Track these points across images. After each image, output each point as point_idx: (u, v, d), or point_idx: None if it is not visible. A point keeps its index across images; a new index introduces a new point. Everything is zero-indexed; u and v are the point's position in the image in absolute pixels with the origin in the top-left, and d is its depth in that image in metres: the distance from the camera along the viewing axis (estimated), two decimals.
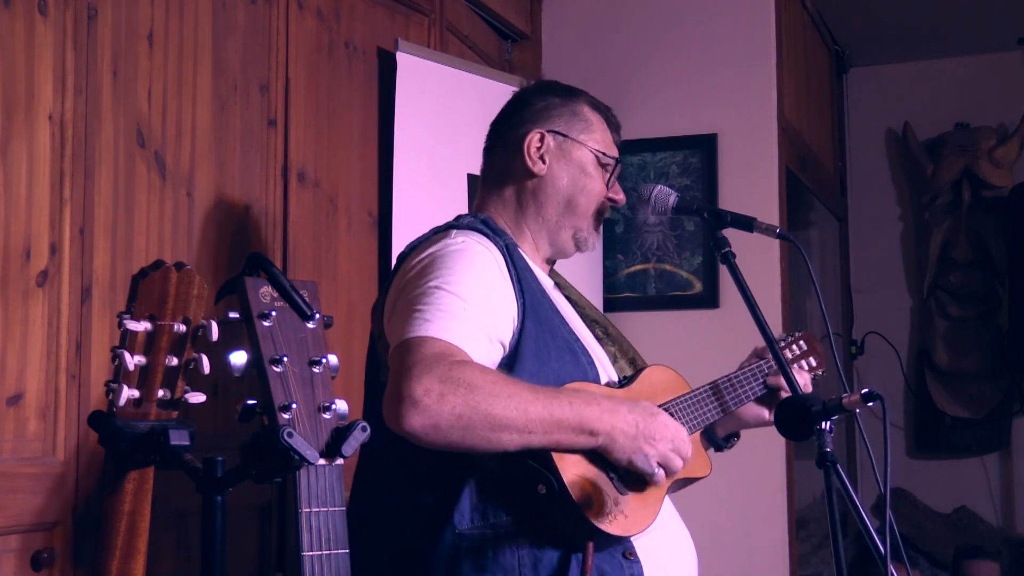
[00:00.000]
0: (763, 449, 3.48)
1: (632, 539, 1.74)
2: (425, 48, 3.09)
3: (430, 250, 1.79)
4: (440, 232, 1.87)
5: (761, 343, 2.10)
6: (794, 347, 2.18)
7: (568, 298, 2.04)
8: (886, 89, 5.39)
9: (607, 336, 2.03)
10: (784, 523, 3.53)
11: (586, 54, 3.87)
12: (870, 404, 1.54)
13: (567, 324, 1.90)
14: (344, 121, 2.81)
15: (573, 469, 1.68)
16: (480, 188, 2.03)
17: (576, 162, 1.95)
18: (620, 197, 2.01)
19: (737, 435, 2.17)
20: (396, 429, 1.59)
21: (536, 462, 1.66)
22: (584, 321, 2.01)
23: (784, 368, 1.81)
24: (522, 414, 1.61)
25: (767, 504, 3.53)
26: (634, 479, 1.75)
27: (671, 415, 1.83)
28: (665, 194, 2.01)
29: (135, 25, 2.16)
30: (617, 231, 3.75)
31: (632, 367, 2.01)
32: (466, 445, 1.61)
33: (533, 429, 1.62)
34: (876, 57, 5.29)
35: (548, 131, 1.95)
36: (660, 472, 1.72)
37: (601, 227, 2.02)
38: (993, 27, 4.86)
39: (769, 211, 3.61)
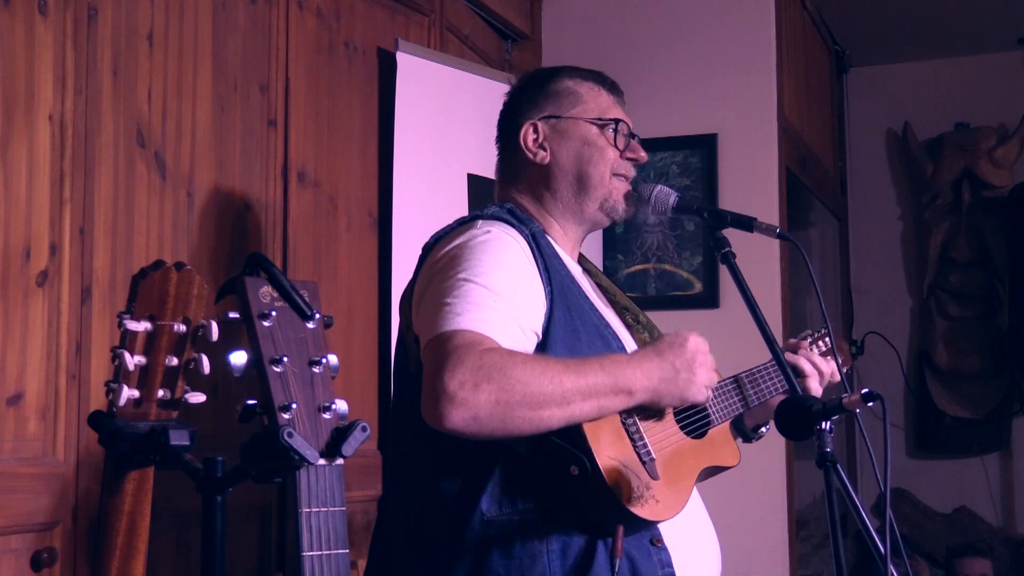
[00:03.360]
0: (763, 449, 3.47)
1: (659, 526, 1.74)
2: (425, 48, 3.09)
3: (457, 241, 1.79)
4: (466, 223, 1.86)
5: (792, 338, 2.14)
6: (820, 344, 2.17)
7: (599, 285, 2.03)
8: (886, 89, 5.39)
9: (638, 323, 2.02)
10: (784, 523, 3.54)
11: (586, 54, 3.86)
12: (870, 404, 1.53)
13: (596, 310, 1.89)
14: (344, 121, 2.81)
15: (607, 451, 1.67)
16: (497, 186, 2.03)
17: (577, 138, 1.94)
18: (640, 155, 1.99)
19: (767, 425, 2.16)
20: (439, 428, 1.58)
21: (569, 443, 1.65)
22: (615, 308, 2.01)
23: (784, 368, 1.81)
24: (558, 386, 1.60)
25: (767, 504, 3.53)
26: (667, 461, 1.75)
27: None
28: (665, 194, 2.01)
29: (135, 25, 2.16)
30: (617, 231, 3.75)
31: None
32: (509, 430, 1.60)
33: (572, 399, 1.61)
34: (876, 57, 5.29)
35: (539, 119, 1.95)
36: (711, 393, 1.77)
37: (631, 190, 2.00)
38: (993, 27, 4.86)
39: (769, 211, 3.61)
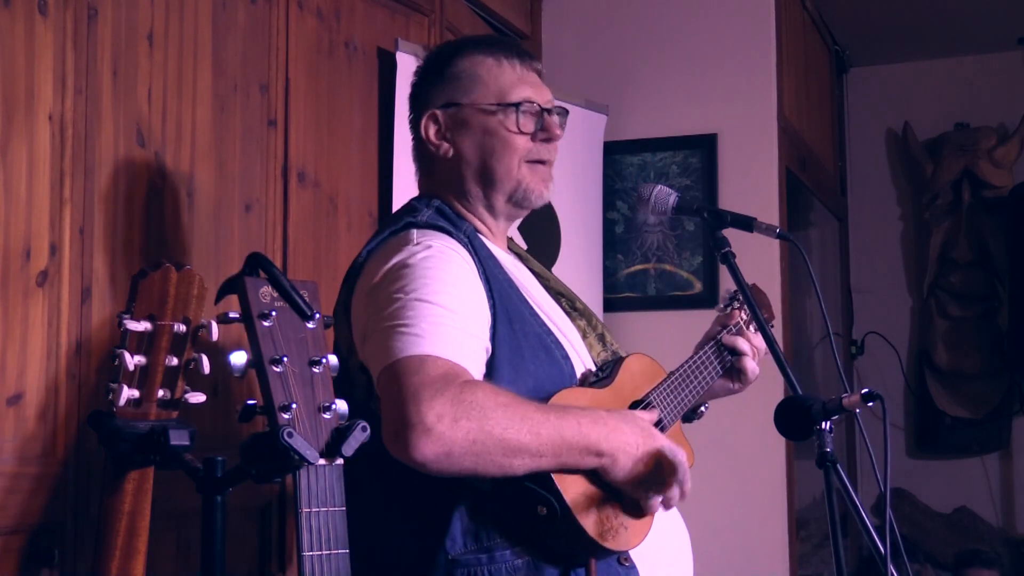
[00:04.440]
0: (763, 449, 3.48)
1: None
2: (425, 48, 3.09)
3: (397, 258, 1.67)
4: (398, 233, 1.75)
5: (723, 310, 2.09)
6: (743, 312, 2.09)
7: (532, 271, 1.96)
8: (886, 89, 5.39)
9: (574, 310, 1.95)
10: (784, 523, 3.53)
11: (586, 54, 3.86)
12: (870, 404, 1.53)
13: (537, 315, 1.80)
14: (344, 121, 2.81)
15: (573, 488, 1.63)
16: (417, 180, 1.93)
17: (477, 128, 1.78)
18: (554, 132, 1.81)
19: (706, 405, 2.12)
20: (404, 458, 1.49)
21: (536, 484, 1.60)
22: (550, 294, 1.93)
23: (783, 366, 1.80)
24: (535, 437, 1.54)
25: (767, 504, 3.53)
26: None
27: (655, 406, 1.81)
28: (665, 194, 2.00)
29: (135, 25, 2.16)
30: (617, 231, 3.75)
31: (601, 343, 1.94)
32: (478, 471, 1.53)
33: (544, 452, 1.55)
34: (876, 57, 5.29)
35: (439, 107, 1.80)
36: (655, 501, 1.67)
37: (549, 171, 1.84)
38: (993, 27, 4.86)
39: (769, 211, 3.61)
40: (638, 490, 1.66)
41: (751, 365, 2.02)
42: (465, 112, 1.79)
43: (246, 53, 2.47)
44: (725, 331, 2.05)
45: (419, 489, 1.62)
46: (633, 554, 1.72)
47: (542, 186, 1.83)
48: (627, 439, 1.64)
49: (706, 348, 2.03)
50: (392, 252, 1.69)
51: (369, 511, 1.66)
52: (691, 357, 2.01)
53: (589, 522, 1.63)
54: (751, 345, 2.02)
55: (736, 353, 2.02)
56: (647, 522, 1.72)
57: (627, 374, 1.86)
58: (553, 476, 1.61)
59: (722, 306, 2.11)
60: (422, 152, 1.87)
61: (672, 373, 1.94)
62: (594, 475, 1.66)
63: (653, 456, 1.66)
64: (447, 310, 1.59)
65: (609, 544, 1.64)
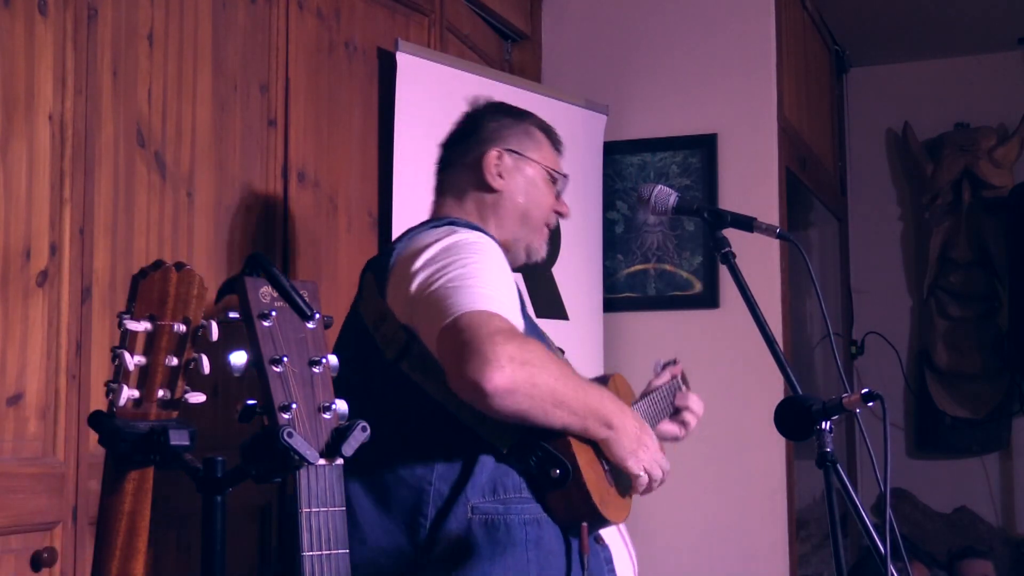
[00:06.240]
0: (763, 449, 3.48)
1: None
2: (425, 48, 3.09)
3: (450, 239, 1.83)
4: (442, 226, 1.91)
5: (664, 370, 2.30)
6: (679, 376, 2.31)
7: None
8: (886, 89, 5.39)
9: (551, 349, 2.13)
10: (784, 523, 3.53)
11: (586, 54, 3.86)
12: (870, 404, 1.54)
13: (540, 328, 2.03)
14: (344, 121, 2.81)
15: (583, 456, 1.79)
16: (438, 200, 2.11)
17: (529, 178, 2.07)
18: (565, 209, 2.14)
19: None
20: (471, 388, 1.65)
21: (553, 447, 1.77)
22: None
23: (783, 365, 1.81)
24: (576, 395, 1.75)
25: (767, 504, 3.53)
26: (617, 474, 1.89)
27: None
28: (665, 194, 2.03)
29: (135, 25, 2.16)
30: (617, 231, 3.75)
31: None
32: (527, 414, 1.70)
33: (578, 411, 1.75)
34: (876, 57, 5.29)
35: (504, 149, 2.05)
36: (644, 477, 1.87)
37: (548, 237, 2.13)
38: (993, 27, 4.86)
39: (769, 211, 3.61)
40: (630, 466, 1.86)
41: (692, 420, 2.27)
42: (525, 163, 2.08)
43: (246, 53, 2.47)
44: (673, 382, 2.28)
45: (443, 445, 1.82)
46: (606, 539, 1.91)
47: (544, 247, 2.13)
48: (630, 421, 1.86)
49: (665, 389, 2.23)
50: (442, 235, 1.87)
51: (397, 458, 1.83)
52: (649, 394, 2.21)
53: (593, 489, 1.78)
54: (698, 405, 2.28)
55: (686, 409, 2.26)
56: (626, 506, 1.91)
57: (614, 389, 2.04)
58: (571, 441, 1.77)
59: (661, 364, 2.31)
60: (466, 178, 2.07)
61: (635, 403, 2.13)
62: (596, 450, 1.84)
63: (647, 443, 1.88)
64: (499, 285, 1.78)
65: (606, 513, 1.80)
